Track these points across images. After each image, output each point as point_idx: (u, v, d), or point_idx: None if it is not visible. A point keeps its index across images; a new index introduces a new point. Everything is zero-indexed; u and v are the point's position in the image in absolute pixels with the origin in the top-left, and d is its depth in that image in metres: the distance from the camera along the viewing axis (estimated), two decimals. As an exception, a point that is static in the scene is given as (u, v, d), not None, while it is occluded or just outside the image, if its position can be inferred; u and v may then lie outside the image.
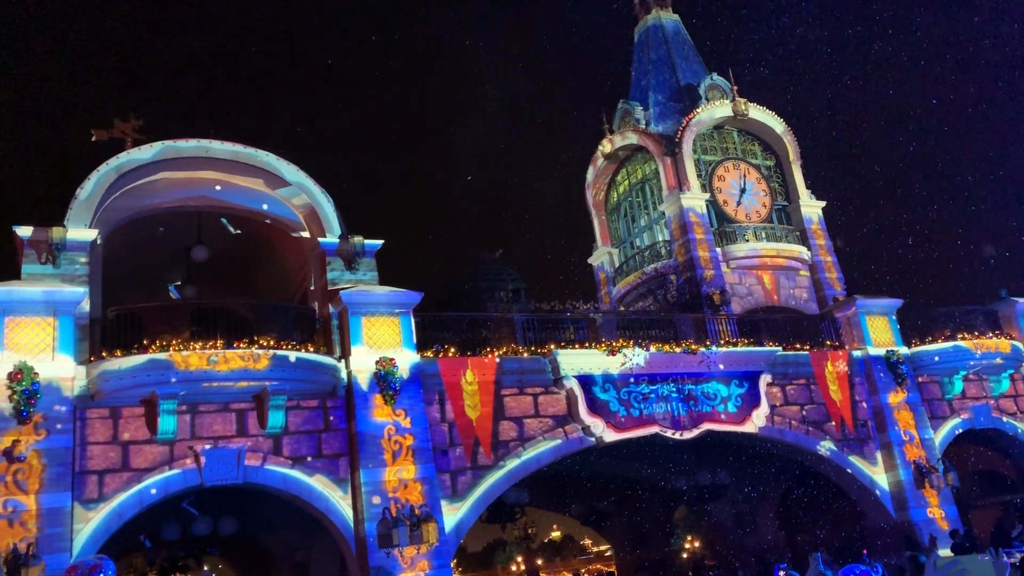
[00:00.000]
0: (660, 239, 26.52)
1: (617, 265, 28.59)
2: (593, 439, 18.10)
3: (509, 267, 24.51)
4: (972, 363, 22.16)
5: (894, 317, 22.36)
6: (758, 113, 26.80)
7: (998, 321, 23.78)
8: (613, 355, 18.52)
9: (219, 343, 14.81)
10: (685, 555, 30.26)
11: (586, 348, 18.53)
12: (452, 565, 16.52)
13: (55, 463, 13.70)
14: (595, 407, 18.17)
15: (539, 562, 56.02)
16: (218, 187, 17.59)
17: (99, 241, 16.23)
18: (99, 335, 15.06)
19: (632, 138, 27.22)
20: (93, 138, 16.97)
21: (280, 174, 17.61)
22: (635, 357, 18.65)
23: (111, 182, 16.21)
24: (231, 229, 19.05)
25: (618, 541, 30.69)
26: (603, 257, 29.03)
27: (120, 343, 14.74)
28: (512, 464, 17.33)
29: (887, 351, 21.60)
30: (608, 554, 43.91)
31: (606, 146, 28.12)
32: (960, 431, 22.32)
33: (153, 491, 14.55)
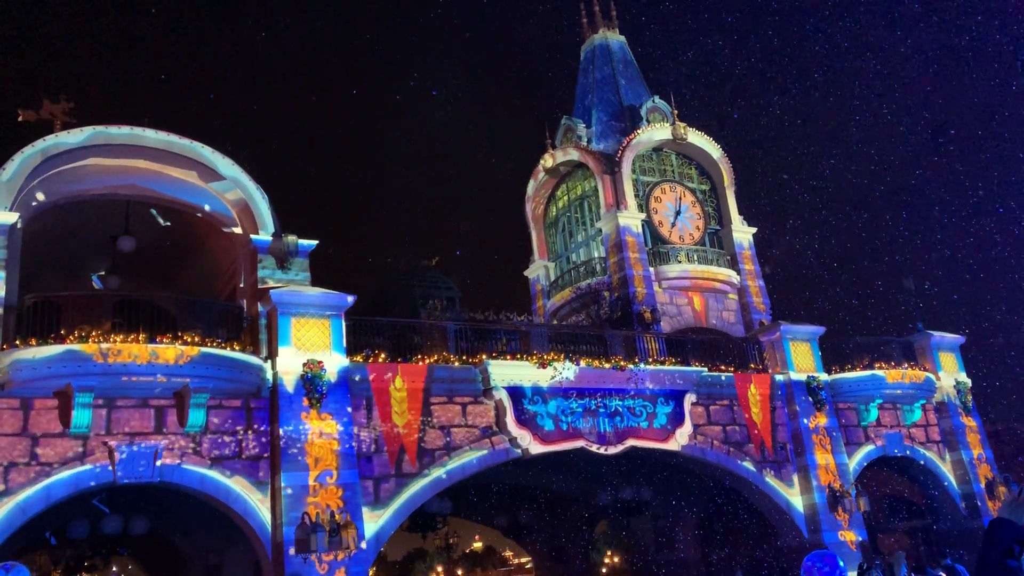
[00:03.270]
0: (596, 255, 26.79)
1: (553, 279, 28.77)
2: (519, 451, 18.14)
3: (445, 275, 24.49)
4: (888, 392, 22.95)
5: (816, 344, 23.01)
6: (696, 138, 27.34)
7: (913, 352, 24.69)
8: (544, 368, 18.60)
9: (141, 336, 14.37)
10: (605, 570, 30.54)
11: (517, 359, 18.54)
12: (371, 573, 16.33)
13: (-43, 454, 13.11)
14: (523, 419, 18.21)
15: (459, 572, 55.79)
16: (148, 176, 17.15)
17: (19, 225, 15.63)
18: (14, 322, 14.48)
19: (573, 155, 27.49)
20: (20, 118, 16.34)
21: (215, 167, 17.25)
22: (565, 371, 18.77)
23: (36, 165, 15.64)
24: (160, 220, 18.56)
25: (539, 553, 30.77)
26: (539, 270, 29.19)
27: (36, 332, 14.19)
28: (437, 473, 17.25)
29: (808, 376, 22.21)
30: (529, 566, 43.99)
31: (548, 161, 28.32)
32: (874, 457, 23.07)
33: (61, 487, 14.01)
